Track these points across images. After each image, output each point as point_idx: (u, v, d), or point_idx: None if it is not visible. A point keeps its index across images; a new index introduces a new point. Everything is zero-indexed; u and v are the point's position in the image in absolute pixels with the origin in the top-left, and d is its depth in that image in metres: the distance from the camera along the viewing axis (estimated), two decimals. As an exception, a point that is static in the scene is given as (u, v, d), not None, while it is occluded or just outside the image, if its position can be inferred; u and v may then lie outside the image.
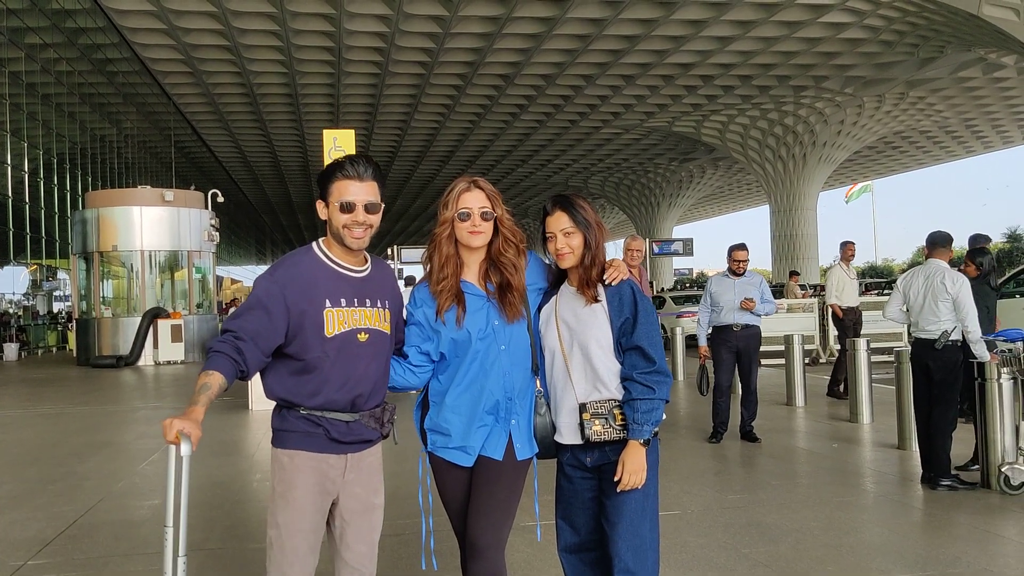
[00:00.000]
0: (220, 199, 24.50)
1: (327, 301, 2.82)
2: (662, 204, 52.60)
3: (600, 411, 2.97)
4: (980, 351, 6.37)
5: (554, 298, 3.19)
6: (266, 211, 68.10)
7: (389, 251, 28.75)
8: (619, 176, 51.12)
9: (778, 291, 27.48)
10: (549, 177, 51.38)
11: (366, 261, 2.99)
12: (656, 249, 31.83)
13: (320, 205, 2.89)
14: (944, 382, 6.52)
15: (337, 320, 2.82)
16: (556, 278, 3.24)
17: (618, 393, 3.00)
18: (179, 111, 34.05)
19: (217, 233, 24.32)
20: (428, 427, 3.10)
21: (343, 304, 2.85)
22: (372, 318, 2.90)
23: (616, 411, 2.96)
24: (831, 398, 11.50)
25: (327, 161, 13.15)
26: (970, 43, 25.22)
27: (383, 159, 42.44)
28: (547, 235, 3.14)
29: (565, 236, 3.09)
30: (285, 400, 2.86)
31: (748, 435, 8.48)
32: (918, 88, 31.86)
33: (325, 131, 12.74)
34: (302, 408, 2.83)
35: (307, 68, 27.75)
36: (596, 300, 3.06)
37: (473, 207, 3.04)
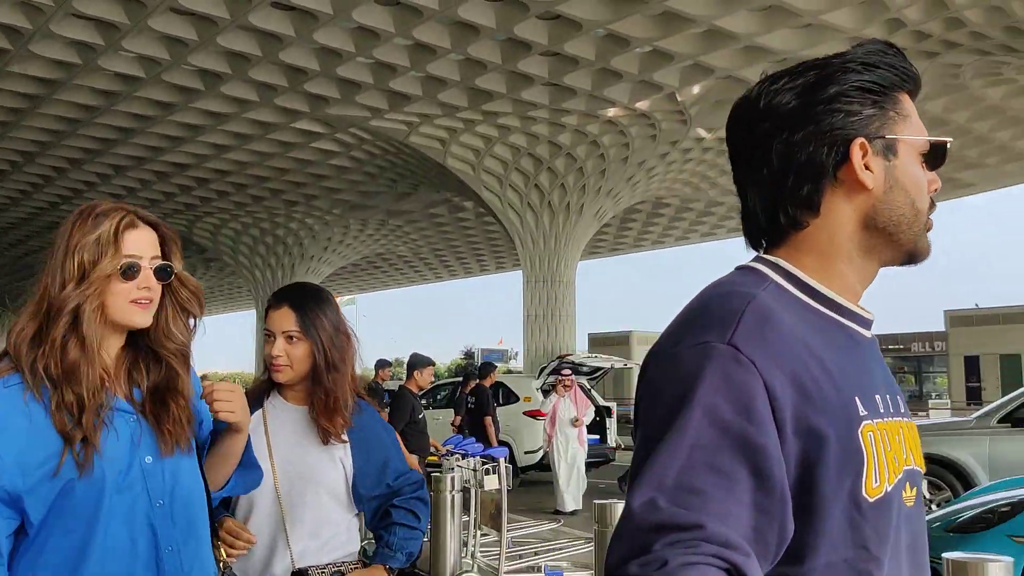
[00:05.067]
0: None
1: (858, 403, 1.10)
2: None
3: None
4: None
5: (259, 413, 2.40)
6: None
7: None
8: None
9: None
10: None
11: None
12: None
13: (865, 162, 1.14)
14: None
15: (886, 457, 1.11)
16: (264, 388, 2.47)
17: (349, 548, 2.42)
18: None
19: None
20: None
21: (880, 410, 1.14)
22: (910, 442, 1.20)
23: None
24: None
25: None
26: (438, 186, 28.83)
27: None
28: (266, 332, 2.38)
29: (287, 341, 2.34)
30: None
31: None
32: (397, 217, 35.27)
33: None
34: None
35: None
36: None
37: (146, 257, 1.83)
